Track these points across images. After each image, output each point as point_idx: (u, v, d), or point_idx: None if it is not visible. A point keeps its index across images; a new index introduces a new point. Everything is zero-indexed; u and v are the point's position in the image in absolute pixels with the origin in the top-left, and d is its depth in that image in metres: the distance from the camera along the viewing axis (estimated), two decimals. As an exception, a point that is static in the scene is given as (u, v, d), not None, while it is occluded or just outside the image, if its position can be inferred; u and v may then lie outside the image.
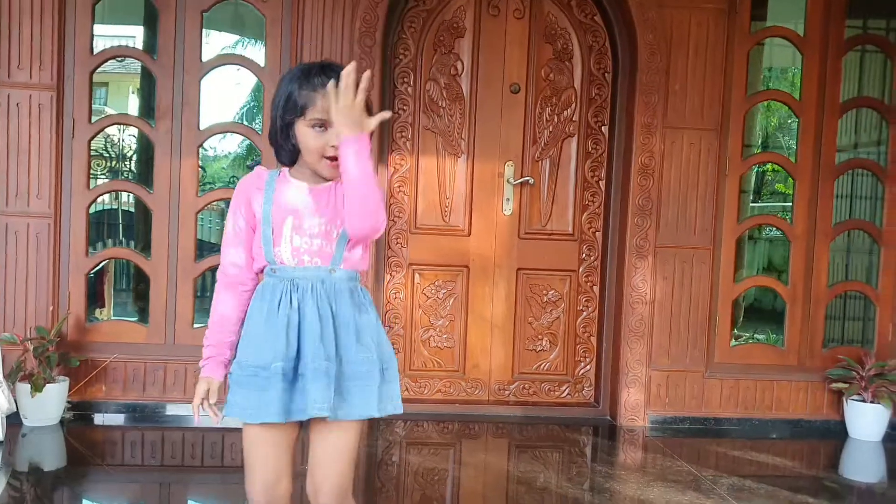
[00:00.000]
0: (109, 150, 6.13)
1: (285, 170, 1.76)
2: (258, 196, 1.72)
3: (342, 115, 1.57)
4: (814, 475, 3.39)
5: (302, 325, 1.67)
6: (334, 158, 1.65)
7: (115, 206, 6.35)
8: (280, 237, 1.70)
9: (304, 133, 1.67)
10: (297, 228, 1.70)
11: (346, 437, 1.71)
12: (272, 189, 1.72)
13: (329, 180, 1.72)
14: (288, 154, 1.73)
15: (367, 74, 1.58)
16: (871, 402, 3.75)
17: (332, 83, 1.58)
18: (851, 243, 4.37)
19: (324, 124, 1.65)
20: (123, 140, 6.21)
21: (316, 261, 1.70)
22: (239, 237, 1.75)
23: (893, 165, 3.95)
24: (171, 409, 3.69)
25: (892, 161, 3.95)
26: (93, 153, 3.75)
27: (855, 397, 3.80)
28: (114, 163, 5.91)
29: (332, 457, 1.71)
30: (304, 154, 1.70)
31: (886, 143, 3.98)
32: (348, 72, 1.56)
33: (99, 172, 6.31)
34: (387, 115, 1.67)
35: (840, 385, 3.84)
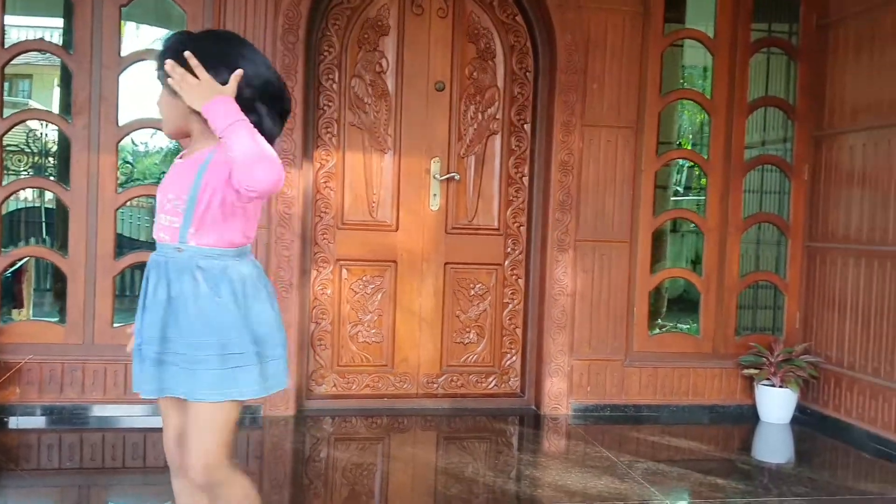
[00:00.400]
0: (31, 145, 5.95)
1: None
2: None
3: (193, 94, 1.59)
4: (725, 457, 3.55)
5: (145, 306, 1.71)
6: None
7: (37, 204, 6.17)
8: (157, 214, 1.75)
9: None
10: (160, 205, 1.73)
11: (199, 416, 1.69)
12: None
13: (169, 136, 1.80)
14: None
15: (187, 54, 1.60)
16: (780, 386, 3.95)
17: (170, 66, 1.59)
18: (761, 235, 4.59)
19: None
20: (46, 135, 6.04)
21: (165, 237, 1.70)
22: None
23: (798, 162, 4.17)
24: (91, 411, 3.61)
25: (798, 157, 4.17)
26: (12, 149, 3.65)
27: (765, 382, 3.99)
28: (36, 158, 5.74)
29: (191, 433, 1.71)
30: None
31: (792, 140, 4.19)
32: (188, 56, 1.59)
33: (21, 168, 6.11)
34: (239, 73, 1.63)
35: (751, 371, 4.03)
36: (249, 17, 3.62)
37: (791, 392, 3.94)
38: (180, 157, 1.77)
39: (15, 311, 5.01)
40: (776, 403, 3.99)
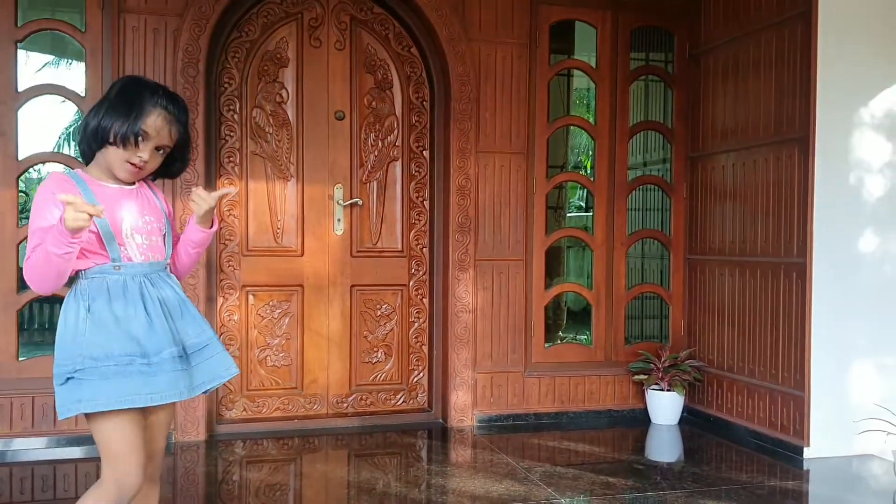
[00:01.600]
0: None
1: (82, 173, 1.91)
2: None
3: (206, 216, 2.00)
4: (618, 458, 3.80)
5: (153, 316, 1.87)
6: (137, 167, 1.90)
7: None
8: (121, 236, 1.88)
9: (122, 140, 1.87)
10: (133, 227, 1.91)
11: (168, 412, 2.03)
12: (90, 192, 1.86)
13: (126, 183, 1.95)
14: (91, 156, 1.94)
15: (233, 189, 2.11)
16: (668, 390, 4.26)
17: (201, 190, 1.99)
18: (646, 250, 4.93)
19: (141, 140, 1.88)
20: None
21: (150, 255, 1.93)
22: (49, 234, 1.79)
23: (677, 181, 4.52)
24: (-4, 446, 3.60)
25: (676, 177, 4.52)
26: None
27: (654, 387, 4.29)
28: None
29: (163, 433, 2.03)
30: (108, 157, 1.89)
31: (671, 161, 4.54)
32: (219, 194, 2.00)
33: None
34: (232, 190, 2.12)
35: (641, 377, 4.33)
36: (149, 52, 3.71)
37: (678, 395, 4.26)
38: (110, 184, 1.92)
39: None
40: (665, 406, 4.29)
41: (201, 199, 1.98)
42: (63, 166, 3.75)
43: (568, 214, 5.65)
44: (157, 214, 1.97)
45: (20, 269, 3.73)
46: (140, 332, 1.83)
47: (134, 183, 1.96)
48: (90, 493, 1.87)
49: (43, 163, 3.77)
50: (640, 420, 4.38)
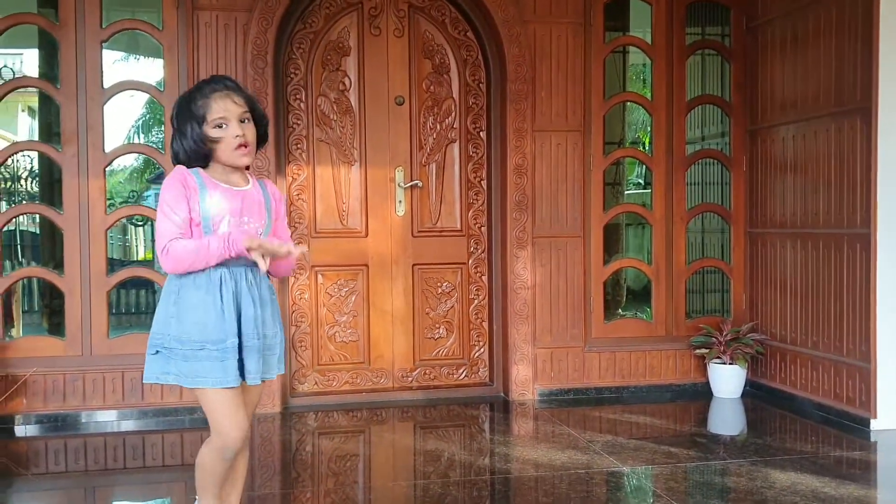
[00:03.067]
0: (20, 172, 6.22)
1: (202, 173, 2.08)
2: (195, 196, 2.01)
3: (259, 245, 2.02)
4: (680, 430, 3.85)
5: (243, 308, 2.06)
6: (243, 145, 2.06)
7: (29, 229, 6.43)
8: (217, 233, 2.03)
9: (214, 133, 2.03)
10: (233, 226, 2.06)
11: (260, 390, 2.24)
12: (205, 191, 2.04)
13: (244, 167, 2.13)
14: (202, 158, 2.08)
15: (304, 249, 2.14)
16: (730, 363, 4.27)
17: (267, 244, 2.01)
18: (706, 224, 4.92)
19: (223, 122, 2.03)
20: (17, 162, 6.32)
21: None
22: (181, 229, 2.01)
23: (737, 154, 4.50)
24: (92, 417, 3.89)
25: (735, 150, 4.50)
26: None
27: (716, 360, 4.31)
28: (23, 185, 6.01)
29: (252, 405, 2.23)
30: (219, 155, 2.06)
31: (729, 134, 4.52)
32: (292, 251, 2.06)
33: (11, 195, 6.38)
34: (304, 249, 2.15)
35: (702, 351, 4.35)
36: (221, 47, 3.93)
37: (740, 368, 4.26)
38: (224, 184, 2.08)
39: (9, 329, 5.29)
40: (727, 379, 4.31)
41: (267, 252, 2.02)
42: (140, 156, 4.01)
43: (626, 192, 5.67)
44: (259, 217, 2.11)
45: (109, 252, 4.03)
46: (213, 321, 2.02)
47: (248, 184, 2.13)
48: (204, 447, 2.16)
49: (127, 153, 4.04)
50: (702, 394, 4.40)
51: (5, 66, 4.14)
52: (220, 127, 2.04)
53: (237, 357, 2.05)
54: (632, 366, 4.40)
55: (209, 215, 2.03)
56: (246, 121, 2.09)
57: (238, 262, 2.06)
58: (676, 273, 4.45)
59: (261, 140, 2.17)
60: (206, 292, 2.03)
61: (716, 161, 4.65)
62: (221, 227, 2.04)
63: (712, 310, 4.86)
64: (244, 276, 2.08)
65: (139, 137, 10.21)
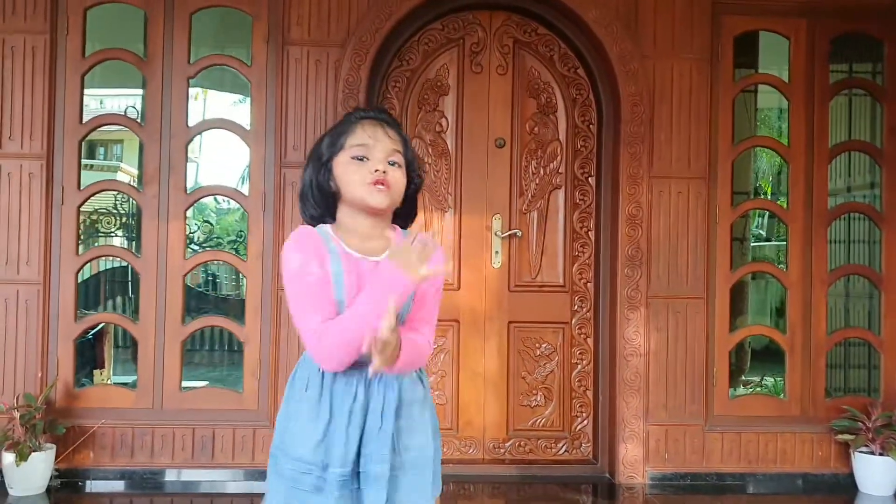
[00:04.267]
0: (119, 208, 6.22)
1: (331, 230, 1.64)
2: (327, 261, 1.56)
3: (405, 260, 1.51)
4: (820, 533, 3.25)
5: (367, 421, 1.58)
6: (380, 182, 1.58)
7: (116, 265, 6.39)
8: None
9: (346, 168, 1.60)
10: None
11: None
12: (339, 260, 1.58)
13: (378, 211, 1.61)
14: (325, 205, 1.65)
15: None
16: (880, 454, 3.61)
17: (415, 241, 1.52)
18: (850, 289, 4.27)
19: (364, 155, 1.60)
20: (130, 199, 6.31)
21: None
22: (323, 293, 1.55)
23: (889, 208, 3.88)
24: (161, 475, 3.63)
25: (888, 204, 3.88)
26: (101, 211, 3.82)
27: (863, 449, 3.66)
28: (123, 219, 6.00)
29: None
30: (348, 191, 1.60)
31: (880, 185, 3.92)
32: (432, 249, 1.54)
33: (110, 230, 6.37)
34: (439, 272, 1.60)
35: (846, 437, 3.71)
36: (311, 83, 3.68)
37: (893, 460, 3.59)
38: (358, 254, 1.61)
39: (97, 372, 5.17)
40: (877, 473, 3.64)
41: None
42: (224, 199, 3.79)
43: (750, 244, 5.08)
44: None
45: (186, 299, 3.80)
46: (324, 438, 1.57)
47: (382, 254, 1.60)
48: None
49: (210, 195, 3.83)
50: (844, 487, 3.74)
51: (131, 106, 4.03)
52: (360, 160, 1.60)
53: (350, 488, 1.57)
54: (760, 450, 3.79)
55: (342, 284, 1.56)
56: (396, 165, 1.62)
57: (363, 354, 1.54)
58: (815, 344, 3.84)
59: (407, 204, 1.69)
60: (318, 393, 1.59)
61: (863, 216, 4.03)
62: None
63: (857, 388, 4.19)
64: (376, 384, 1.60)
65: (242, 183, 10.24)
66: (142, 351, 3.69)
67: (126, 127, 3.74)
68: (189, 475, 3.64)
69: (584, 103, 3.96)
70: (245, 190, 3.79)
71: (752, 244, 5.43)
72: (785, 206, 3.88)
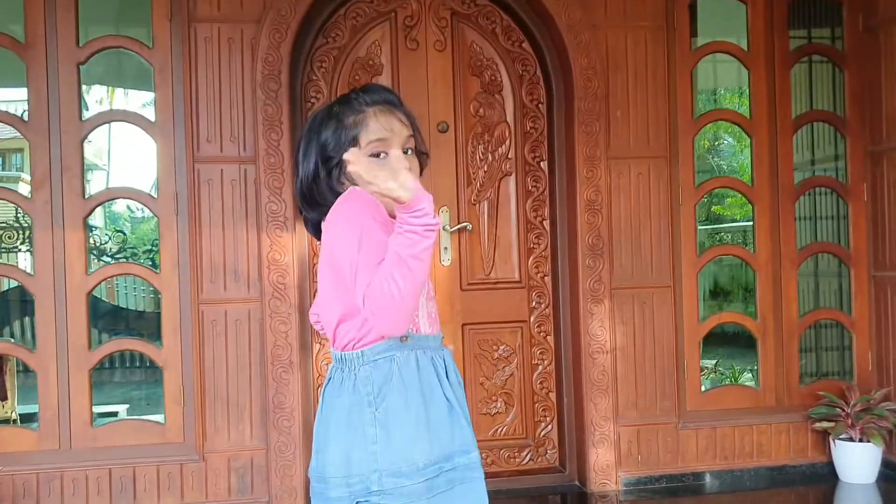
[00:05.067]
0: (21, 220, 5.59)
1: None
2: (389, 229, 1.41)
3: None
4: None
5: (455, 403, 1.50)
6: None
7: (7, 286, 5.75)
8: None
9: (367, 168, 1.37)
10: (428, 292, 1.57)
11: None
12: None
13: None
14: (333, 198, 1.48)
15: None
16: (860, 440, 3.42)
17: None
18: (820, 268, 4.08)
19: (382, 150, 1.46)
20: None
21: (439, 325, 1.58)
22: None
23: (855, 181, 3.68)
24: (72, 526, 3.15)
25: (854, 177, 3.68)
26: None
27: (842, 436, 3.45)
28: (27, 233, 5.39)
29: None
30: (372, 189, 1.39)
31: (845, 157, 3.71)
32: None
33: (12, 246, 5.72)
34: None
35: (824, 424, 3.50)
36: (224, 65, 3.22)
37: (874, 447, 3.41)
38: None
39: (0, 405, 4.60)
40: (857, 460, 3.45)
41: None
42: (138, 206, 3.31)
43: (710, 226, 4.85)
44: None
45: (93, 319, 3.30)
46: (442, 428, 1.44)
47: None
48: None
49: (113, 199, 3.32)
50: (824, 477, 3.54)
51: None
52: (376, 157, 1.46)
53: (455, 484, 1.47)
54: (736, 444, 3.55)
55: None
56: (409, 151, 1.52)
57: (438, 339, 1.54)
58: (787, 329, 3.61)
59: (420, 173, 1.57)
60: (425, 384, 1.45)
61: (830, 190, 3.83)
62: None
63: (831, 372, 4.00)
64: (444, 359, 1.53)
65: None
66: (42, 384, 3.18)
67: (5, 123, 3.19)
68: (107, 523, 3.17)
69: (532, 80, 3.61)
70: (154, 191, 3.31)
71: (712, 226, 5.23)
72: (750, 183, 3.63)
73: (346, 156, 1.38)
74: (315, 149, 1.50)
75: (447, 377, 1.50)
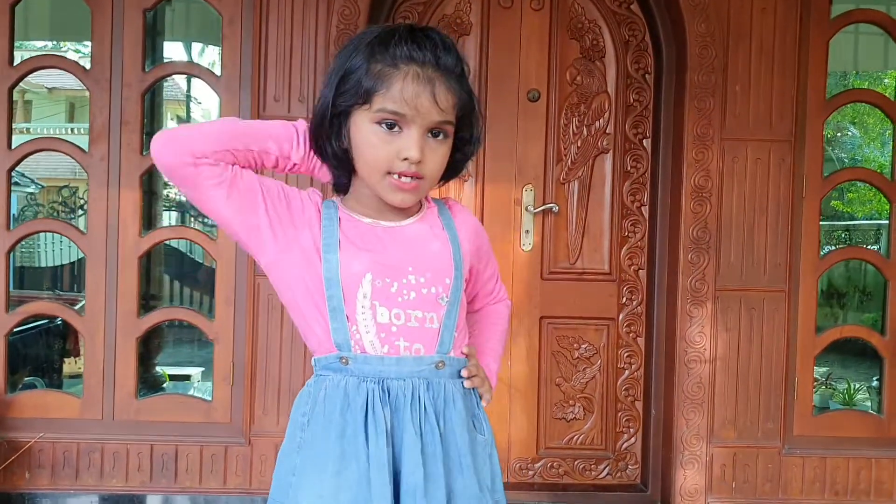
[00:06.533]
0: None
1: (339, 202, 1.25)
2: (315, 230, 1.19)
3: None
4: None
5: (399, 461, 1.15)
6: (407, 175, 1.17)
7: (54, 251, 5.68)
8: (355, 306, 1.16)
9: (365, 132, 1.17)
10: (381, 292, 1.17)
11: None
12: (334, 227, 1.19)
13: (397, 209, 1.22)
14: (332, 165, 1.22)
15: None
16: None
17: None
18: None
19: (397, 123, 1.16)
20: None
21: (416, 347, 1.19)
22: (251, 204, 1.17)
23: None
24: (110, 502, 2.96)
25: None
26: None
27: (981, 480, 2.94)
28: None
29: None
30: (358, 165, 1.20)
31: None
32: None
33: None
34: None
35: (960, 464, 2.99)
36: (297, 17, 2.94)
37: None
38: (367, 220, 1.26)
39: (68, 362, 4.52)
40: None
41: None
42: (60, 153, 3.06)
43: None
44: (441, 268, 1.22)
45: (144, 286, 3.11)
46: (351, 489, 1.15)
47: (413, 216, 1.26)
48: None
49: (38, 151, 3.07)
50: (955, 526, 3.04)
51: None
52: (388, 127, 1.16)
53: None
54: (850, 478, 3.07)
55: (335, 263, 1.16)
56: (441, 135, 1.20)
57: (404, 364, 1.18)
58: (923, 350, 3.10)
59: (458, 165, 1.29)
60: (349, 426, 1.16)
61: None
62: (360, 295, 1.16)
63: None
64: (413, 393, 1.17)
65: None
66: (89, 350, 3.00)
67: (66, 71, 2.99)
68: (147, 502, 2.98)
69: (639, 47, 3.19)
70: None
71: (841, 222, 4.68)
72: (890, 177, 3.11)
73: None
74: (332, 81, 1.19)
75: (400, 419, 1.17)
